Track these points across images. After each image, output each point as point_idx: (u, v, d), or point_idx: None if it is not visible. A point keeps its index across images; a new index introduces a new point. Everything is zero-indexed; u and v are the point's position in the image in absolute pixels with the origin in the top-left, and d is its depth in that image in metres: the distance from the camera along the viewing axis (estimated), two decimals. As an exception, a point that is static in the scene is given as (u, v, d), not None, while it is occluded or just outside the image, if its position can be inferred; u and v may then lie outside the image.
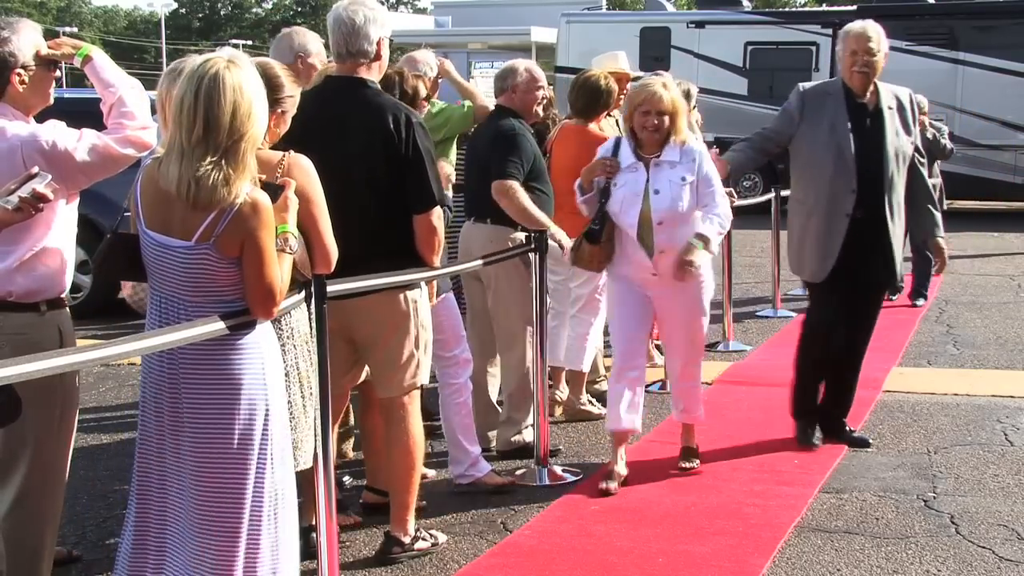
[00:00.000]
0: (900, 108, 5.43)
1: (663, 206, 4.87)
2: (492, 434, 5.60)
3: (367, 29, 4.07)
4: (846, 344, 5.60)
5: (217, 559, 3.03)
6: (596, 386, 6.51)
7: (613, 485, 4.96)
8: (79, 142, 3.49)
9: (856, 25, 5.42)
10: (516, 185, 5.25)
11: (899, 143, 5.36)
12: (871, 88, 5.38)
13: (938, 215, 5.62)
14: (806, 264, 5.51)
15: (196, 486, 3.03)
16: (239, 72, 2.98)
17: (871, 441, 5.66)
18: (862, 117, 5.35)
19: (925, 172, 5.62)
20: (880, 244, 5.35)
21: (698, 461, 5.27)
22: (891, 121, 5.36)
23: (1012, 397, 6.63)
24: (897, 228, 5.41)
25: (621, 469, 5.06)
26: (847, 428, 5.72)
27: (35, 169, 3.14)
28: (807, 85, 5.65)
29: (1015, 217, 17.02)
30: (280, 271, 3.05)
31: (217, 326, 2.98)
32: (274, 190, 3.14)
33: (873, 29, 5.37)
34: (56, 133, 3.49)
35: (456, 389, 4.97)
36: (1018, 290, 10.88)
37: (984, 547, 4.34)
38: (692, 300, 5.04)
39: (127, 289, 3.62)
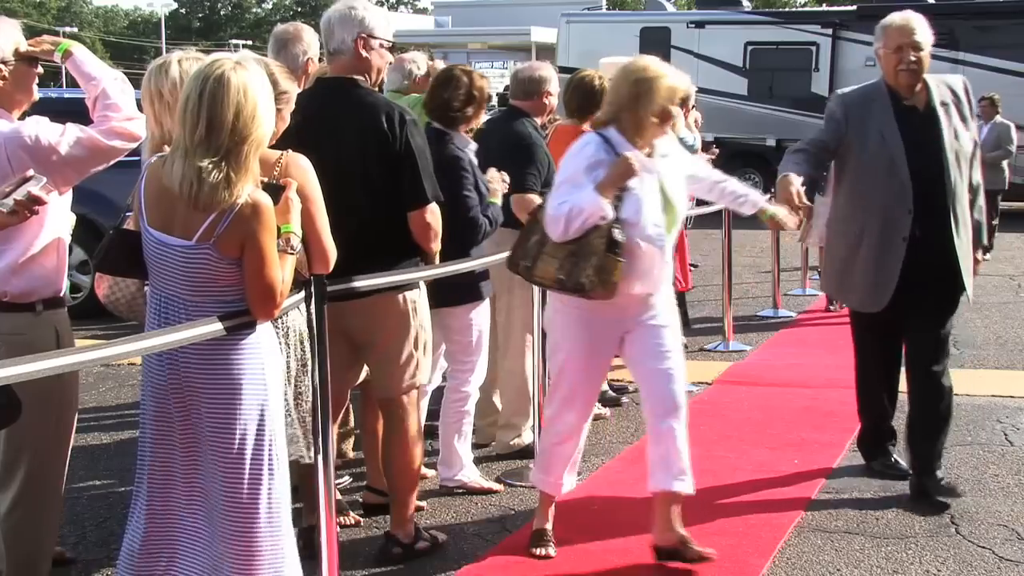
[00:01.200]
0: (956, 102, 4.81)
1: (684, 206, 4.19)
2: (490, 430, 5.62)
3: (342, 28, 4.09)
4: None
5: (231, 562, 3.03)
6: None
7: (551, 549, 4.28)
8: (62, 136, 3.47)
9: (896, 18, 4.73)
10: (536, 198, 5.26)
11: (959, 145, 4.73)
12: (919, 86, 4.76)
13: (983, 229, 5.03)
14: (854, 292, 4.92)
15: (206, 487, 3.04)
16: (245, 74, 2.97)
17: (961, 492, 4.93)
18: (913, 122, 4.73)
19: (979, 173, 4.92)
20: (946, 263, 4.72)
21: (712, 551, 4.17)
22: (947, 121, 4.73)
23: (1012, 397, 6.63)
24: (964, 241, 4.75)
25: (550, 526, 4.37)
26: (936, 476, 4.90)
27: (30, 172, 3.14)
28: (847, 90, 4.99)
29: (1015, 217, 17.01)
30: (281, 272, 3.05)
31: (217, 326, 2.98)
32: (275, 190, 3.13)
33: (917, 19, 4.69)
34: (39, 128, 3.47)
35: (463, 396, 4.98)
36: (1018, 290, 10.89)
37: (984, 547, 4.34)
38: (670, 333, 4.20)
39: (102, 288, 3.49)
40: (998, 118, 13.72)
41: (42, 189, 3.10)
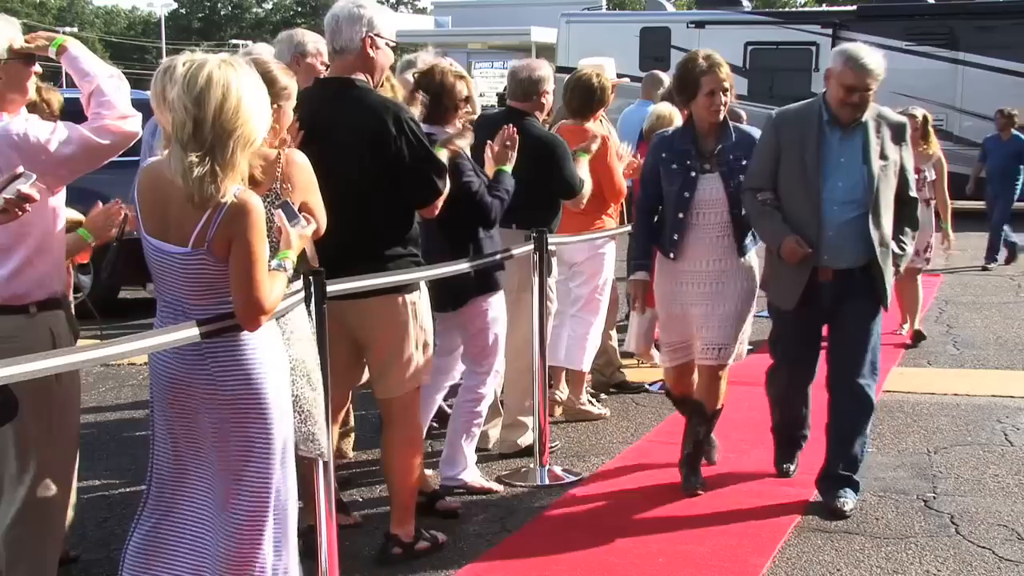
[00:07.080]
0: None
1: None
2: (492, 433, 5.61)
3: (350, 26, 4.06)
4: None
5: (230, 560, 3.03)
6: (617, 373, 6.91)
7: None
8: (53, 134, 3.37)
9: None
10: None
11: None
12: None
13: None
14: None
15: (215, 486, 3.04)
16: (229, 71, 2.96)
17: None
18: None
19: None
20: None
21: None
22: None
23: (1012, 397, 6.63)
24: None
25: None
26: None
27: (19, 169, 3.10)
28: None
29: (1015, 217, 17.00)
30: (269, 281, 2.99)
31: (219, 327, 2.97)
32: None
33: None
34: (28, 125, 3.38)
35: (477, 399, 4.96)
36: (1018, 290, 10.88)
37: (984, 547, 4.34)
38: None
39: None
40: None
41: (32, 187, 3.07)
